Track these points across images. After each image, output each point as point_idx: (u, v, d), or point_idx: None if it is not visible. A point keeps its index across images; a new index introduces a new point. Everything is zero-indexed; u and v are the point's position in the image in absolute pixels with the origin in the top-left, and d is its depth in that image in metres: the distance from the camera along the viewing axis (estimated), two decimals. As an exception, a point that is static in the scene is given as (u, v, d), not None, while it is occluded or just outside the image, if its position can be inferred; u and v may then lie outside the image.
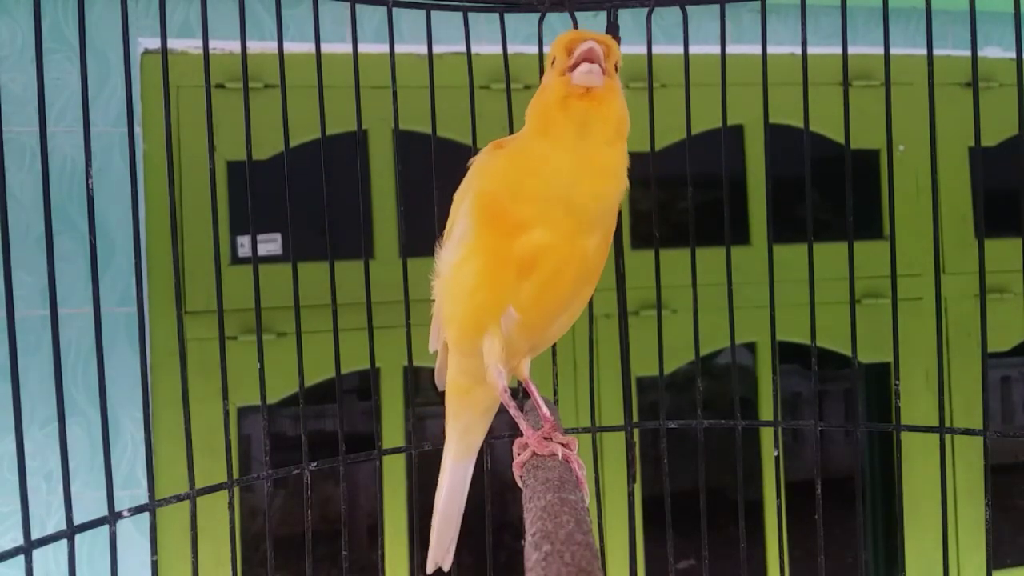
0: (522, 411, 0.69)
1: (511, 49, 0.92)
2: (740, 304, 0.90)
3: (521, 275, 0.62)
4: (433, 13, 0.88)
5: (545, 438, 0.66)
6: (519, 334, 0.65)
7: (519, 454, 0.67)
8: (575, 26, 0.91)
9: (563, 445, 0.66)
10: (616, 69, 0.64)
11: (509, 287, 0.62)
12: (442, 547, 0.78)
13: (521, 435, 0.68)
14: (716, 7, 0.89)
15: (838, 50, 0.85)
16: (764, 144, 0.88)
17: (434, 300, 0.70)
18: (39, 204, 0.66)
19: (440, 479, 0.77)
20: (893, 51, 0.82)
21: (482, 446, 0.87)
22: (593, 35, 0.62)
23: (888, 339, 0.84)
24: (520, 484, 0.64)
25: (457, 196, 0.68)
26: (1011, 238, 1.66)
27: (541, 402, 0.71)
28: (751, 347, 1.78)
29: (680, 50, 0.88)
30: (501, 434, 0.88)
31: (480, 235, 0.63)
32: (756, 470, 1.76)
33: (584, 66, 0.59)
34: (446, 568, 0.79)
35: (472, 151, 0.70)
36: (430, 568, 0.79)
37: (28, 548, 0.64)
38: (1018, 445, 2.01)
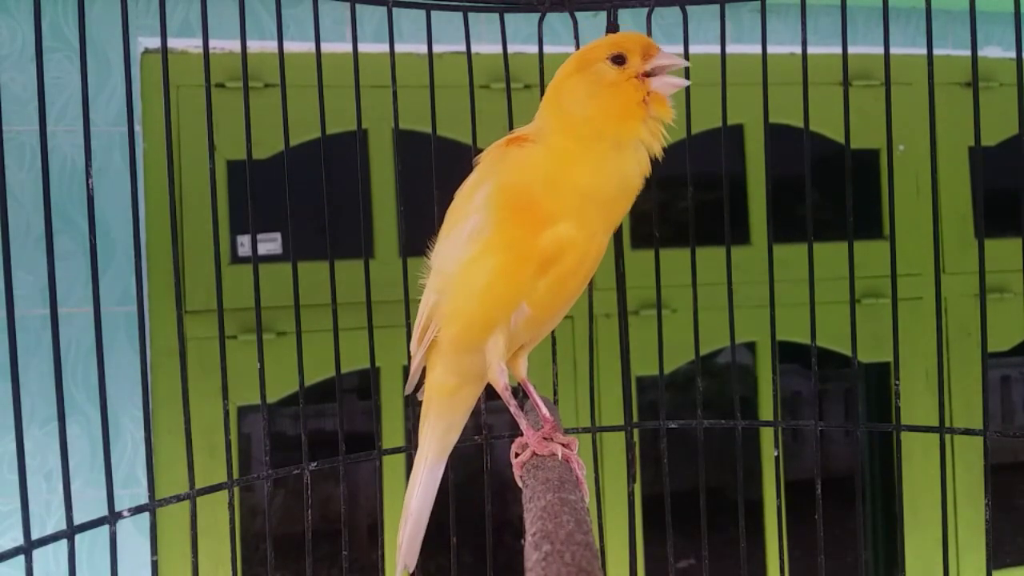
0: (522, 411, 0.69)
1: (511, 49, 0.92)
2: (740, 304, 0.90)
3: (542, 270, 0.62)
4: (433, 13, 0.88)
5: (545, 438, 0.66)
6: (525, 328, 0.65)
7: (517, 455, 0.67)
8: (575, 26, 0.91)
9: (563, 445, 0.66)
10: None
11: (528, 283, 0.62)
12: (414, 550, 0.76)
13: (521, 435, 0.68)
14: (716, 7, 0.89)
15: (838, 50, 0.85)
16: (764, 144, 0.88)
17: (422, 298, 0.69)
18: (39, 204, 0.66)
19: (412, 482, 0.75)
20: (893, 51, 0.82)
21: (482, 446, 0.87)
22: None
23: (888, 339, 0.84)
24: (520, 484, 0.63)
25: (464, 192, 0.67)
26: (1011, 238, 1.66)
27: (540, 402, 0.71)
28: (751, 347, 1.78)
29: (680, 50, 0.88)
30: (501, 434, 0.88)
31: (501, 229, 0.62)
32: (756, 470, 1.76)
33: (676, 79, 0.64)
34: (411, 569, 0.78)
35: (472, 151, 0.70)
36: (399, 572, 0.77)
37: (28, 548, 0.64)
38: (1018, 445, 2.01)
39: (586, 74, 0.64)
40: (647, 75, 0.64)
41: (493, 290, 0.63)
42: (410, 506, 0.75)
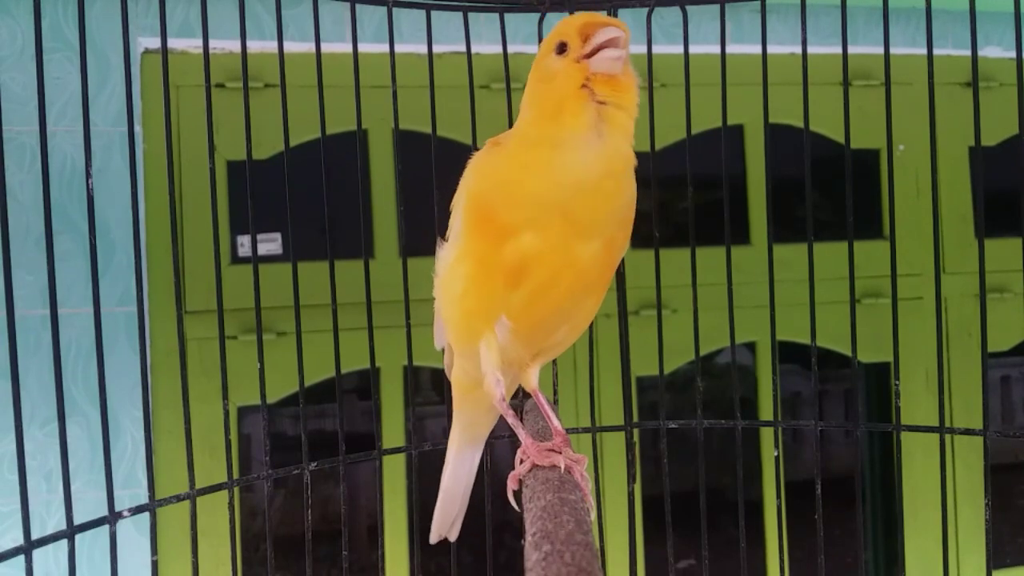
0: (521, 419, 0.68)
1: (511, 49, 0.91)
2: (740, 304, 0.90)
3: (510, 283, 0.58)
4: (433, 13, 0.88)
5: (554, 451, 0.63)
6: (515, 343, 0.62)
7: (523, 460, 0.64)
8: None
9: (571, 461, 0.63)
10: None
11: (498, 295, 0.59)
12: (445, 521, 0.79)
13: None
14: (716, 7, 0.89)
15: (838, 50, 0.85)
16: (764, 144, 0.88)
17: (435, 298, 0.68)
18: (39, 204, 0.65)
19: (445, 462, 0.77)
20: (893, 51, 0.82)
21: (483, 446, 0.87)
22: (608, 19, 0.58)
23: (888, 339, 0.84)
24: (511, 500, 0.61)
25: (456, 196, 0.66)
26: (1011, 238, 1.66)
27: (553, 415, 0.69)
28: (751, 347, 1.78)
29: (680, 50, 0.88)
30: (501, 434, 0.88)
31: (470, 238, 0.60)
32: (756, 470, 1.76)
33: (611, 51, 0.55)
34: (452, 539, 0.80)
35: (472, 151, 0.70)
36: (433, 539, 0.79)
37: (28, 548, 0.64)
38: (1018, 445, 2.01)
39: (537, 71, 0.61)
40: (589, 56, 0.57)
41: (467, 299, 0.61)
42: (443, 482, 0.77)
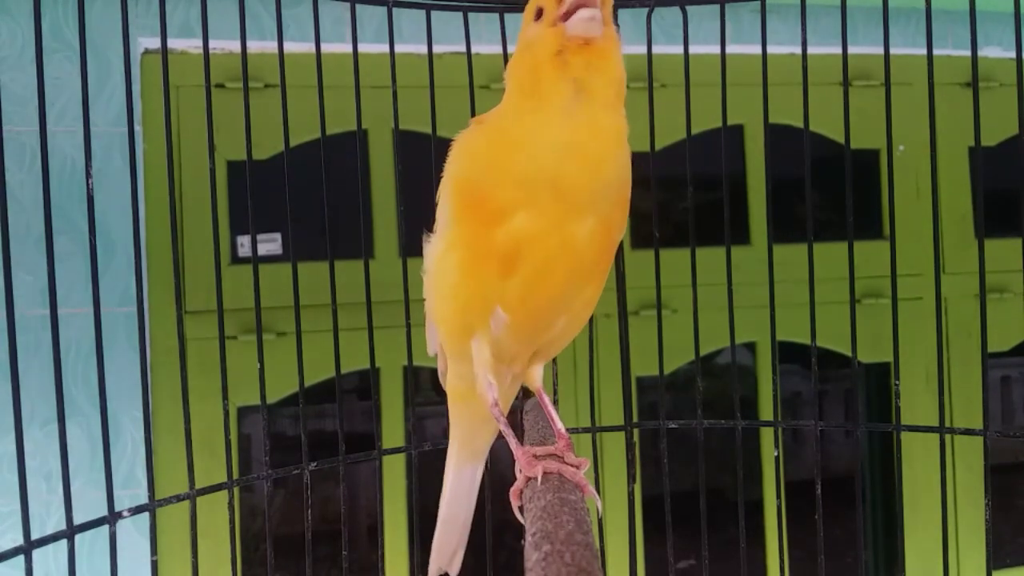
0: (521, 420, 0.66)
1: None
2: (740, 304, 0.90)
3: (504, 270, 0.55)
4: (433, 13, 0.88)
5: (557, 456, 0.61)
6: (512, 338, 0.59)
7: (521, 471, 0.60)
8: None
9: (573, 466, 0.59)
10: (614, 18, 0.56)
11: (492, 284, 0.56)
12: (444, 554, 0.75)
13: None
14: (716, 7, 0.89)
15: (838, 50, 0.85)
16: (764, 144, 0.88)
17: (425, 298, 0.64)
18: (39, 204, 0.66)
19: (444, 485, 0.73)
20: (893, 51, 0.82)
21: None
22: None
23: (888, 339, 0.84)
24: (517, 515, 0.58)
25: (441, 184, 0.62)
26: (1011, 238, 1.66)
27: (556, 416, 0.66)
28: (751, 347, 1.78)
29: (680, 50, 0.88)
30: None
31: (458, 225, 0.57)
32: (756, 470, 1.76)
33: (584, 12, 0.51)
34: (453, 573, 0.76)
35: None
36: (432, 572, 0.76)
37: (28, 548, 0.64)
38: (1018, 445, 2.01)
39: (519, 43, 0.57)
40: (564, 18, 0.53)
41: (460, 292, 0.58)
42: (440, 511, 0.73)
